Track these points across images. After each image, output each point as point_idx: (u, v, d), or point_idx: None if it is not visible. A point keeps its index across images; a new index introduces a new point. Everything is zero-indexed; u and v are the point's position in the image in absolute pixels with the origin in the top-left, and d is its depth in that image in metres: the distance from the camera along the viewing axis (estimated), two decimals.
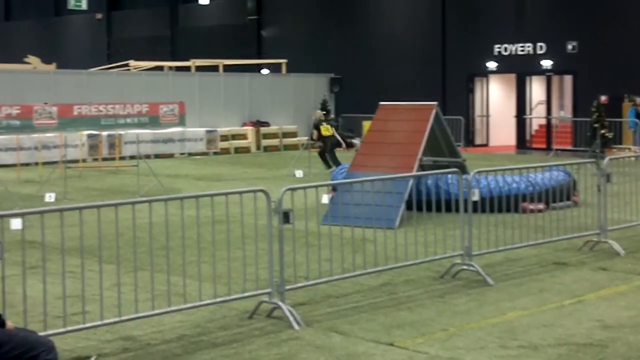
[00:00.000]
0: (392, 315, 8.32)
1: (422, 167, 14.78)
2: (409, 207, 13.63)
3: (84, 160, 24.86)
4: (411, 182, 13.25)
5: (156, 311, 7.69)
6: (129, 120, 28.00)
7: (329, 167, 22.29)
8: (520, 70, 31.84)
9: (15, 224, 12.34)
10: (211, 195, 8.39)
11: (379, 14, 35.83)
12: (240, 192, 8.56)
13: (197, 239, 8.16)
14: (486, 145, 33.16)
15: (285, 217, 8.49)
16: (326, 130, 23.23)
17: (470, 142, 32.53)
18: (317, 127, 23.36)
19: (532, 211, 13.03)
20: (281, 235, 8.35)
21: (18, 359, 5.51)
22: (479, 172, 10.48)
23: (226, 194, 8.45)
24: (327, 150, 23.02)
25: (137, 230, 7.69)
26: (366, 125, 23.97)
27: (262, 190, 8.57)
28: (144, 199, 7.98)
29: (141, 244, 7.78)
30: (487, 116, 33.57)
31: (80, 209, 7.57)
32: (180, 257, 8.36)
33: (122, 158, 25.14)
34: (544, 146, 30.95)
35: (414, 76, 33.63)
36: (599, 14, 29.66)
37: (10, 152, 23.60)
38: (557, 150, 29.23)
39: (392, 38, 34.95)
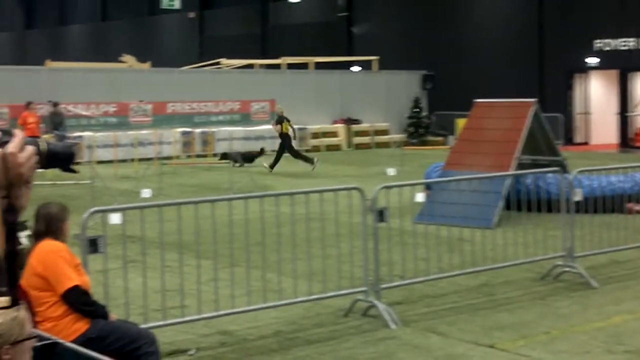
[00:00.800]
0: (491, 316, 8.11)
1: (520, 166, 14.44)
2: (507, 206, 13.36)
3: (177, 157, 25.24)
4: (509, 181, 12.95)
5: (252, 307, 7.67)
6: (221, 117, 28.41)
7: (310, 161, 22.12)
8: (623, 65, 30.76)
9: (115, 218, 12.63)
10: (306, 193, 8.34)
11: (474, 8, 35.23)
12: (335, 190, 8.49)
13: (291, 236, 8.12)
14: (586, 143, 32.12)
15: (380, 215, 8.39)
16: (286, 127, 22.69)
17: (569, 140, 31.61)
18: (280, 122, 22.87)
19: (637, 212, 12.57)
20: (376, 233, 8.24)
21: (121, 350, 5.55)
22: (581, 171, 10.15)
23: (321, 191, 8.39)
24: (288, 147, 22.48)
25: (233, 227, 7.69)
26: (460, 123, 23.58)
27: (356, 188, 8.48)
28: (239, 195, 7.99)
29: (236, 240, 7.76)
30: (588, 114, 32.56)
31: (178, 204, 7.62)
32: (275, 253, 8.33)
33: (214, 155, 25.39)
34: None
35: (510, 72, 32.79)
36: None
37: (107, 148, 24.12)
38: None
39: (487, 33, 34.23)
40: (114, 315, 5.83)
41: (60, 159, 2.54)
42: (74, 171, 2.63)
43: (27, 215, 6.04)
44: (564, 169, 13.61)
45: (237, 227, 8.05)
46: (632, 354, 6.85)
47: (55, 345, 4.15)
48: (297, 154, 22.83)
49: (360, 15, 39.53)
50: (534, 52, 32.70)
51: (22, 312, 3.22)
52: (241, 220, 7.92)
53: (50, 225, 5.69)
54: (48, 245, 5.62)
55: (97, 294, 6.75)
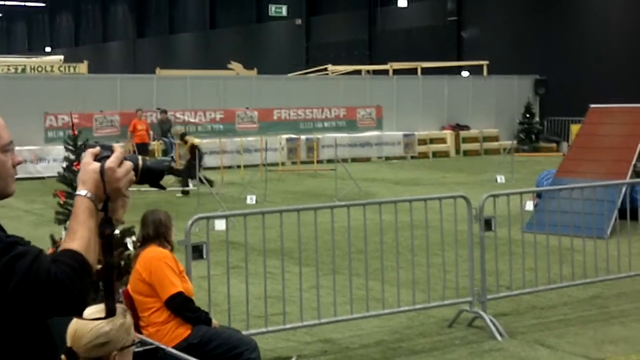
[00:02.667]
0: (603, 330, 7.79)
1: (637, 174, 13.92)
2: (622, 216, 12.87)
3: (283, 164, 25.41)
4: (625, 189, 12.46)
5: (355, 315, 7.58)
6: (326, 124, 28.48)
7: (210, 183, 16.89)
8: None
9: (219, 224, 12.77)
10: (410, 201, 8.20)
11: (588, 8, 34.17)
12: (440, 198, 8.32)
13: (394, 244, 7.99)
14: None
15: (487, 224, 8.17)
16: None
17: None
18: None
19: None
20: (482, 242, 8.03)
21: (222, 356, 5.55)
22: None
23: (425, 199, 8.24)
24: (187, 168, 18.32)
25: (335, 234, 7.63)
26: (574, 128, 22.89)
27: (462, 196, 8.29)
28: (342, 203, 7.93)
29: (338, 247, 7.71)
30: None
31: (280, 212, 7.61)
32: (377, 261, 8.22)
33: (319, 161, 25.47)
34: None
35: (628, 77, 31.48)
36: None
37: (214, 155, 24.50)
38: None
39: (603, 35, 33.03)
40: (217, 321, 5.84)
41: (154, 175, 2.57)
42: (162, 187, 2.62)
43: (133, 221, 6.12)
44: None
45: (339, 234, 7.99)
46: None
47: (157, 350, 4.17)
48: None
49: (470, 20, 38.96)
50: None
51: (128, 319, 3.24)
52: (344, 227, 7.84)
53: (157, 231, 5.75)
54: (154, 251, 5.67)
55: (200, 300, 6.80)
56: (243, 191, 17.59)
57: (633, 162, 13.30)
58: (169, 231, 5.76)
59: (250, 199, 16.75)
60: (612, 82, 31.23)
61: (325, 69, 34.70)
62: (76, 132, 6.59)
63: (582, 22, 34.06)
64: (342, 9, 44.95)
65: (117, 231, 6.54)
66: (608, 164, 13.49)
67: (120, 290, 5.80)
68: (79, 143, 6.55)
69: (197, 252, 6.63)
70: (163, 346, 3.80)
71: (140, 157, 2.54)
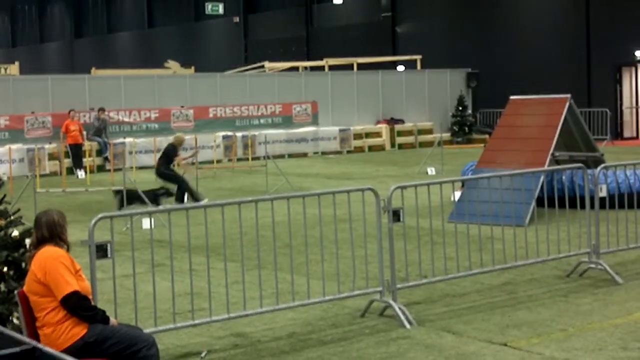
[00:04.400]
0: (509, 315, 8.01)
1: (557, 163, 14.23)
2: (540, 204, 13.17)
3: (219, 161, 25.39)
4: (542, 178, 12.75)
5: (265, 309, 7.68)
6: (262, 120, 28.53)
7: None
8: None
9: (146, 223, 12.77)
10: (319, 195, 8.31)
11: (518, 3, 34.78)
12: (348, 191, 8.45)
13: (305, 238, 8.10)
14: (637, 137, 31.49)
15: (396, 215, 8.32)
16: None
17: (618, 135, 31.04)
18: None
19: None
20: (391, 233, 8.19)
21: (120, 354, 5.60)
22: (606, 167, 9.97)
23: (334, 192, 8.37)
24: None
25: (254, 229, 7.73)
26: None
27: (370, 189, 8.42)
28: (248, 199, 7.95)
29: (259, 242, 7.81)
30: (638, 108, 31.93)
31: (204, 207, 7.75)
32: (294, 255, 8.31)
33: (256, 158, 25.52)
34: None
35: (556, 68, 32.24)
36: None
37: (148, 154, 24.38)
38: None
39: (532, 28, 33.70)
40: (115, 320, 5.88)
41: None
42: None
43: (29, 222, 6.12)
44: (600, 164, 13.38)
45: (252, 229, 8.08)
46: None
47: (34, 350, 4.20)
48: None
49: (405, 15, 39.36)
50: (581, 47, 32.10)
51: None
52: (265, 222, 7.95)
53: (51, 232, 5.77)
54: (48, 251, 5.70)
55: (120, 299, 6.85)
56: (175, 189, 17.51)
57: (550, 152, 13.61)
58: (64, 230, 5.78)
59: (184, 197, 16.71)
60: (541, 74, 31.89)
61: (262, 66, 34.72)
62: None
63: (510, 16, 34.69)
64: (279, 6, 45.02)
65: (16, 232, 6.55)
66: (527, 154, 13.78)
67: (16, 292, 5.81)
68: None
69: (101, 251, 6.65)
70: (40, 346, 3.84)
71: None
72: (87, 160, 23.42)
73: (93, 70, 31.26)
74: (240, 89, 28.59)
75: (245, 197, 16.31)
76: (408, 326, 7.68)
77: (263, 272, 7.84)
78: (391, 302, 8.00)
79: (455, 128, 31.40)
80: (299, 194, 8.75)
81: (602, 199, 9.70)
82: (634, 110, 31.92)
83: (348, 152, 28.82)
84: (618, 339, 7.01)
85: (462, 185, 14.17)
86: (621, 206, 10.36)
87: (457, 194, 14.09)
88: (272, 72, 33.49)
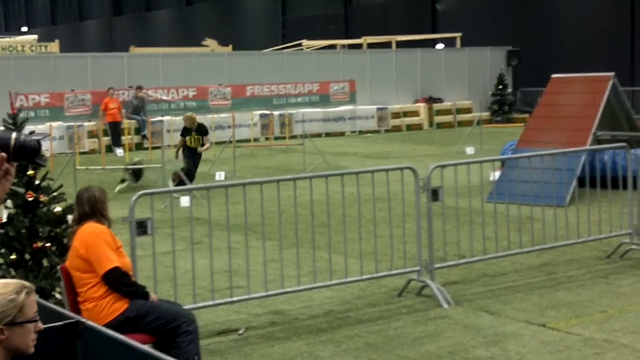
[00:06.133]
0: (548, 295, 7.96)
1: (598, 142, 14.05)
2: (582, 184, 13.03)
3: (256, 140, 25.44)
4: (583, 158, 12.61)
5: (302, 287, 7.70)
6: (300, 99, 28.50)
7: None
8: None
9: (185, 201, 12.86)
10: (357, 173, 8.30)
11: None
12: (387, 170, 8.42)
13: (343, 217, 8.10)
14: None
15: (434, 194, 8.29)
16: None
17: None
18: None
19: None
20: (430, 212, 8.17)
21: (160, 329, 5.66)
22: None
23: (372, 171, 8.34)
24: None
25: (292, 208, 7.74)
26: None
27: (409, 168, 8.39)
28: (287, 177, 7.97)
29: (297, 221, 7.83)
30: None
31: (243, 184, 7.80)
32: (332, 234, 8.31)
33: (293, 137, 25.53)
34: None
35: (600, 46, 31.63)
36: None
37: None
38: None
39: (575, 5, 33.16)
40: (155, 295, 5.94)
41: (27, 152, 2.58)
42: (42, 165, 2.66)
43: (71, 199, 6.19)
44: None
45: (290, 208, 8.10)
46: None
47: (77, 324, 4.26)
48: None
49: None
50: (625, 25, 31.53)
51: (22, 297, 3.32)
52: (303, 201, 7.97)
53: (93, 208, 5.83)
54: (90, 227, 5.76)
55: (161, 275, 6.92)
56: (212, 168, 17.64)
57: (592, 131, 13.44)
58: (105, 206, 5.84)
59: (219, 175, 16.80)
60: (583, 53, 31.40)
61: (300, 44, 34.64)
62: (15, 111, 6.62)
63: None
64: None
65: (58, 208, 6.63)
66: (568, 133, 13.63)
67: (58, 267, 5.88)
68: (19, 122, 6.59)
69: (141, 228, 6.72)
70: (83, 319, 3.89)
71: (14, 134, 2.58)
72: (125, 138, 23.60)
73: (132, 48, 31.40)
74: (277, 68, 28.56)
75: (283, 175, 16.45)
76: (446, 306, 7.67)
77: (301, 250, 7.86)
78: (429, 281, 7.98)
79: (495, 107, 31.08)
80: (337, 172, 8.78)
81: None
82: None
83: (386, 131, 28.70)
84: None
85: (502, 165, 14.06)
86: None
87: (497, 174, 13.99)
88: (310, 50, 33.41)
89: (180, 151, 15.51)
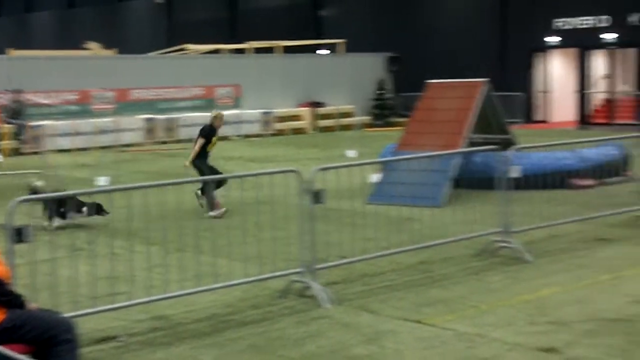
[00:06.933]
0: (424, 293, 8.26)
1: (472, 145, 14.59)
2: (458, 185, 13.53)
3: (140, 144, 25.19)
4: (456, 160, 13.11)
5: (185, 291, 7.75)
6: (185, 103, 28.38)
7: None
8: (582, 44, 31.11)
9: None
10: (240, 177, 8.42)
11: None
12: (271, 173, 8.57)
13: (229, 221, 8.21)
14: (547, 121, 32.59)
15: (317, 196, 8.48)
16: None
17: (530, 118, 32.00)
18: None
19: (581, 187, 12.77)
20: (312, 214, 8.34)
21: (38, 339, 5.59)
22: (518, 148, 10.30)
23: (256, 174, 8.48)
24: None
25: (176, 212, 7.79)
26: None
27: (293, 171, 8.55)
28: (167, 181, 8.02)
29: (181, 225, 7.88)
30: (548, 92, 32.96)
31: (127, 189, 7.75)
32: (216, 238, 8.41)
33: (179, 141, 25.39)
34: (605, 121, 30.24)
35: (474, 53, 33.03)
36: None
37: (68, 137, 24.05)
38: (619, 125, 28.49)
39: (450, 15, 34.50)
40: (34, 304, 5.89)
41: None
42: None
43: None
44: (512, 146, 13.80)
45: (174, 212, 8.16)
46: (554, 324, 7.02)
47: None
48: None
49: None
50: (496, 33, 32.99)
51: None
52: (176, 205, 8.02)
53: None
54: None
55: (23, 284, 6.83)
56: (95, 173, 17.38)
57: (466, 134, 13.96)
58: None
59: (103, 180, 16.55)
60: (458, 59, 32.57)
61: (185, 48, 34.44)
62: None
63: (431, 1, 35.22)
64: None
65: None
66: (443, 136, 14.12)
67: None
68: None
69: (19, 235, 6.63)
70: None
71: None
72: (3, 144, 22.96)
73: (10, 51, 30.54)
74: (162, 71, 28.38)
75: (167, 180, 16.36)
76: (327, 306, 7.86)
77: (185, 254, 7.92)
78: (311, 282, 8.16)
79: (376, 111, 31.84)
80: (222, 176, 8.85)
81: (514, 180, 10.02)
82: (545, 94, 32.92)
83: (271, 135, 28.91)
84: (526, 315, 7.32)
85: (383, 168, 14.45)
86: (532, 187, 10.75)
87: (377, 176, 14.37)
88: (195, 54, 33.28)
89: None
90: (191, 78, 28.67)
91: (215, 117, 13.52)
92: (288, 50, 33.98)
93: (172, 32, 45.57)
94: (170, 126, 26.30)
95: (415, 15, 35.35)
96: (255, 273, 8.26)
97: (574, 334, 6.75)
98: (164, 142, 25.59)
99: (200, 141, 12.94)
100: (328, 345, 6.83)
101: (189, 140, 19.93)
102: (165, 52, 34.83)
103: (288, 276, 8.36)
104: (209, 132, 13.20)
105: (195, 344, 6.99)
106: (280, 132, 29.31)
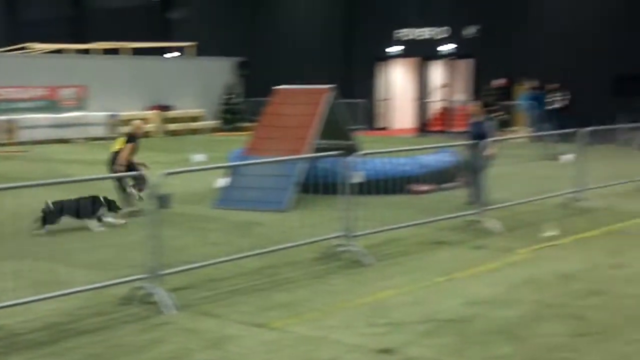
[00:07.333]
0: (268, 297, 8.37)
1: (317, 151, 14.85)
2: (304, 190, 13.74)
3: None
4: (301, 165, 13.32)
5: (21, 300, 7.54)
6: (26, 104, 27.42)
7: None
8: (422, 54, 32.35)
9: None
10: (83, 181, 8.27)
11: None
12: (117, 177, 8.46)
13: (69, 227, 8.04)
14: (388, 128, 33.67)
15: (163, 201, 8.44)
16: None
17: (372, 125, 32.98)
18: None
19: (419, 192, 13.26)
20: (158, 219, 8.29)
21: None
22: (361, 154, 10.61)
23: (97, 179, 8.36)
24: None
25: (13, 217, 7.55)
26: None
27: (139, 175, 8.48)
28: (4, 185, 7.76)
29: (17, 231, 7.64)
30: (389, 100, 34.09)
31: None
32: (56, 245, 8.22)
33: (21, 143, 24.52)
34: (442, 129, 31.57)
35: (321, 60, 33.78)
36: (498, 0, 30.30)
37: None
38: (454, 133, 29.73)
39: (300, 22, 35.07)
40: None
41: None
42: None
43: None
44: (355, 152, 14.18)
45: (10, 218, 7.92)
46: (392, 325, 7.28)
47: None
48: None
49: (179, 1, 39.27)
50: (342, 41, 33.88)
51: None
52: (12, 210, 7.79)
53: None
54: None
55: None
56: None
57: (312, 140, 14.22)
58: None
59: None
60: (306, 66, 33.19)
61: (27, 47, 33.28)
62: None
63: (280, 8, 35.77)
64: None
65: None
66: (290, 141, 14.31)
67: None
68: None
69: None
70: None
71: None
72: None
73: None
74: (2, 71, 27.31)
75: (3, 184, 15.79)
76: (171, 312, 7.83)
77: (22, 261, 7.69)
78: (155, 288, 8.11)
79: (225, 116, 31.91)
80: (62, 180, 8.66)
81: (357, 185, 10.30)
82: (387, 102, 34.05)
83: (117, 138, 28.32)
84: (366, 317, 7.56)
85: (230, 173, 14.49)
86: (374, 192, 11.09)
87: (224, 181, 14.41)
88: (38, 53, 32.22)
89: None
90: (34, 78, 27.74)
91: (136, 127, 14.06)
92: (137, 52, 33.47)
93: (13, 30, 43.89)
94: (11, 127, 25.35)
95: (265, 21, 35.66)
96: (98, 280, 8.13)
97: (411, 334, 7.03)
98: (3, 144, 24.62)
99: (129, 147, 13.25)
100: (170, 352, 6.82)
101: (31, 143, 19.38)
102: (6, 51, 33.52)
103: (132, 282, 8.28)
104: (130, 140, 13.46)
105: (32, 354, 6.81)
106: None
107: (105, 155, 22.40)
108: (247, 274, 9.36)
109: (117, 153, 13.23)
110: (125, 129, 16.39)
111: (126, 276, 8.31)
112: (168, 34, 38.78)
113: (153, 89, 31.10)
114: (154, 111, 30.36)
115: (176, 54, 35.72)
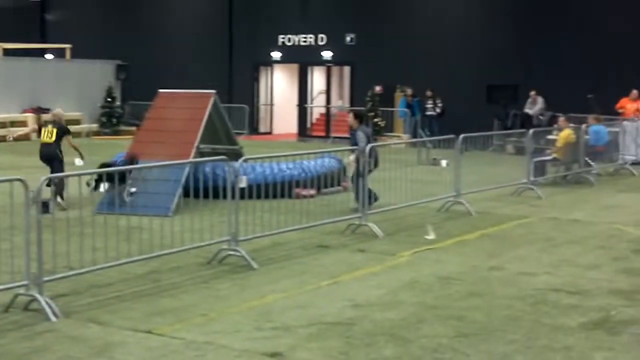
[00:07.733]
0: (154, 302, 8.33)
1: (201, 155, 14.84)
2: (187, 194, 13.67)
3: None
4: (185, 170, 13.28)
5: None
6: None
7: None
8: (303, 60, 32.73)
9: None
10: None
11: (166, 0, 35.64)
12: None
13: None
14: (270, 133, 33.88)
15: (45, 206, 8.29)
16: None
17: (255, 130, 33.10)
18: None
19: (304, 196, 13.43)
20: (39, 225, 8.13)
21: None
22: (246, 159, 10.67)
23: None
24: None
25: None
26: None
27: (19, 180, 8.28)
28: None
29: None
30: (272, 105, 34.32)
31: None
32: None
33: None
34: (323, 134, 32.02)
35: (202, 64, 33.74)
36: (376, 9, 30.91)
37: None
38: (334, 137, 30.18)
39: (180, 26, 34.90)
40: None
41: None
42: None
43: None
44: (240, 157, 14.24)
45: None
46: (278, 329, 7.37)
47: None
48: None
49: (55, 2, 38.36)
50: (224, 45, 33.92)
51: None
52: None
53: None
54: None
55: None
56: None
57: (196, 144, 14.20)
58: None
59: None
60: (188, 70, 33.11)
61: None
62: None
63: (161, 11, 35.73)
64: None
65: None
66: (174, 146, 14.25)
67: None
68: None
69: None
70: None
71: None
72: None
73: None
74: None
75: None
76: (54, 319, 7.69)
77: None
78: (37, 295, 7.94)
79: (104, 119, 31.41)
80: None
81: (242, 190, 10.38)
82: (269, 107, 34.30)
83: None
84: (253, 320, 7.63)
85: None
86: (258, 196, 11.18)
87: (106, 185, 14.18)
88: None
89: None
90: None
91: (60, 115, 15.42)
92: (11, 53, 32.50)
93: None
94: None
95: (143, 24, 35.35)
96: None
97: (297, 338, 7.15)
98: None
99: (69, 136, 15.11)
100: None
101: None
102: None
103: (12, 289, 8.08)
104: (63, 129, 14.89)
105: None
106: (1, 139, 27.88)
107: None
108: (131, 279, 9.28)
109: (51, 145, 14.68)
110: (49, 118, 17.74)
111: (6, 283, 8.11)
112: (44, 35, 37.85)
113: (30, 91, 30.25)
114: (31, 114, 29.51)
115: (50, 55, 34.89)
